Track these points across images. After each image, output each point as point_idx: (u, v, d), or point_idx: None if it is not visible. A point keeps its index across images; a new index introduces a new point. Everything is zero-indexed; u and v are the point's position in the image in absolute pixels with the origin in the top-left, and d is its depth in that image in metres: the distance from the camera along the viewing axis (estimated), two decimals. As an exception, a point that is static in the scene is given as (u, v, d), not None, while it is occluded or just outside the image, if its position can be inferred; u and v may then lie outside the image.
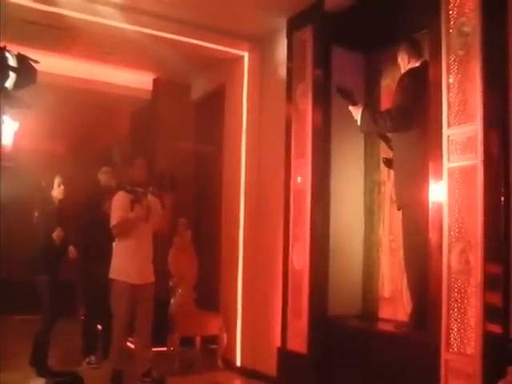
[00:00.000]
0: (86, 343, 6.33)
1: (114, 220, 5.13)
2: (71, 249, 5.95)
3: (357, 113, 4.38)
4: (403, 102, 4.13)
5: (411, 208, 4.14)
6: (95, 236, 6.00)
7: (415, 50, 4.30)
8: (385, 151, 4.69)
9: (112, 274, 5.14)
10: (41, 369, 5.63)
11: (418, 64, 4.25)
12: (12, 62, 3.99)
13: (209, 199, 7.46)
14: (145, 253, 5.19)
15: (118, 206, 5.16)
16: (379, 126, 4.29)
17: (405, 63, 4.33)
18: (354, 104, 4.41)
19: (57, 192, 5.88)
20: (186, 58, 6.75)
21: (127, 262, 5.06)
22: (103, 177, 6.52)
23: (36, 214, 5.85)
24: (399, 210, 4.40)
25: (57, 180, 5.90)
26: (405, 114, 4.10)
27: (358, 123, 4.39)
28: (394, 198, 4.68)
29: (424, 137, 3.93)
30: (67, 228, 5.85)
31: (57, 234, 5.66)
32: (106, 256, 5.33)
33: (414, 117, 4.07)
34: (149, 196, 5.19)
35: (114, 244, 5.23)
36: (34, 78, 4.13)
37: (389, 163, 4.55)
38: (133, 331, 5.22)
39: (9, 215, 9.15)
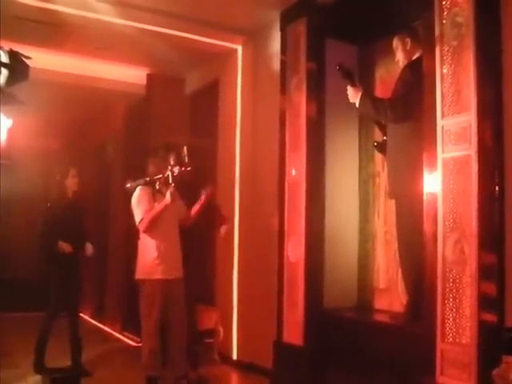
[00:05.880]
0: None
1: (138, 216, 4.77)
2: (88, 246, 5.74)
3: (355, 95, 4.25)
4: (405, 93, 4.09)
5: (404, 198, 4.15)
6: None
7: (415, 37, 4.24)
8: (379, 139, 4.68)
9: (140, 275, 4.80)
10: (37, 365, 5.60)
11: (418, 54, 4.20)
12: (3, 58, 3.97)
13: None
14: (172, 246, 4.84)
15: (139, 201, 4.79)
16: (379, 113, 4.23)
17: (404, 52, 4.27)
18: (354, 85, 4.28)
19: (71, 183, 5.75)
20: (179, 53, 6.73)
21: (156, 259, 4.72)
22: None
23: (48, 204, 5.76)
24: (392, 198, 4.41)
25: (71, 172, 5.76)
26: (406, 106, 4.07)
27: (356, 105, 4.28)
28: (387, 187, 4.67)
29: (418, 127, 3.93)
30: (82, 222, 5.75)
31: (61, 246, 5.46)
32: None
33: (413, 109, 4.04)
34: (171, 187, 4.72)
35: (138, 242, 4.90)
36: (26, 74, 4.11)
37: (380, 147, 4.54)
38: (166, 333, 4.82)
39: (7, 213, 9.19)
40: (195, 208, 5.05)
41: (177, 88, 7.82)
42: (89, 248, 5.76)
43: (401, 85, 4.18)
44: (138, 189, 4.86)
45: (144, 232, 4.80)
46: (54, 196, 5.78)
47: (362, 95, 4.24)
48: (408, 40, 4.25)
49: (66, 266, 5.57)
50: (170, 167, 4.78)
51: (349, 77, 4.29)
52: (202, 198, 5.05)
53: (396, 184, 4.25)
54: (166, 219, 4.79)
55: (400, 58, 4.34)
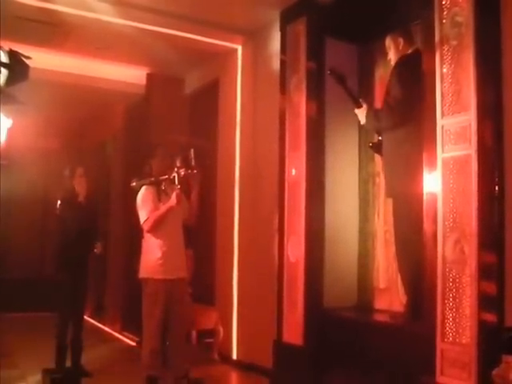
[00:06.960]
0: None
1: (143, 216, 4.75)
2: (98, 244, 5.69)
3: (362, 115, 4.35)
4: (401, 94, 4.09)
5: (401, 197, 4.15)
6: None
7: (408, 37, 4.26)
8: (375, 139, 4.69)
9: (143, 274, 4.76)
10: (58, 367, 5.45)
11: (410, 51, 4.22)
12: (3, 58, 3.97)
13: (203, 193, 7.44)
14: (176, 246, 4.83)
15: (144, 201, 4.77)
16: (381, 123, 4.27)
17: (396, 52, 4.27)
18: (359, 106, 4.36)
19: (78, 182, 5.64)
20: (179, 52, 6.73)
21: (160, 259, 4.71)
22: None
23: (58, 202, 5.69)
24: (388, 197, 4.41)
25: (78, 171, 5.66)
26: (404, 107, 4.07)
27: (364, 124, 4.41)
28: (384, 186, 4.66)
29: (416, 126, 3.94)
30: (93, 221, 5.73)
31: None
32: None
33: (411, 108, 4.04)
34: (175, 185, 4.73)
35: (143, 241, 4.88)
36: (26, 74, 4.10)
37: (376, 147, 4.54)
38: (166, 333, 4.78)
39: (7, 213, 9.18)
40: (194, 196, 4.95)
41: (176, 88, 7.82)
42: (98, 246, 5.73)
43: (395, 82, 4.18)
44: (143, 188, 4.85)
45: (148, 232, 4.79)
46: (64, 197, 5.73)
47: (366, 115, 4.31)
48: (401, 40, 4.27)
49: (78, 267, 5.54)
50: (176, 169, 4.76)
51: (341, 81, 4.34)
52: (192, 184, 4.92)
53: (392, 183, 4.26)
54: (171, 219, 4.77)
55: (392, 58, 4.35)
